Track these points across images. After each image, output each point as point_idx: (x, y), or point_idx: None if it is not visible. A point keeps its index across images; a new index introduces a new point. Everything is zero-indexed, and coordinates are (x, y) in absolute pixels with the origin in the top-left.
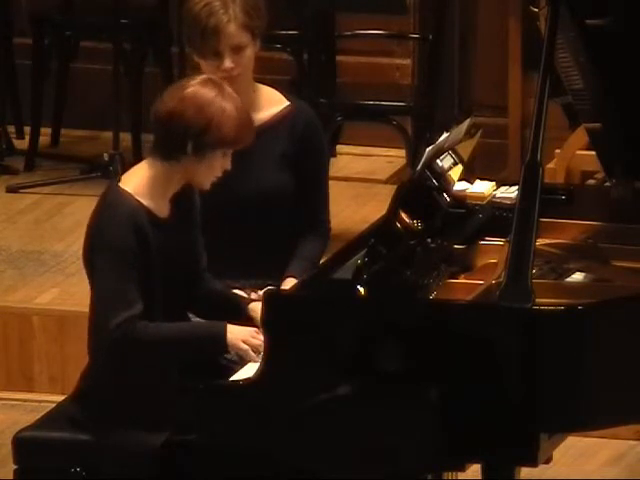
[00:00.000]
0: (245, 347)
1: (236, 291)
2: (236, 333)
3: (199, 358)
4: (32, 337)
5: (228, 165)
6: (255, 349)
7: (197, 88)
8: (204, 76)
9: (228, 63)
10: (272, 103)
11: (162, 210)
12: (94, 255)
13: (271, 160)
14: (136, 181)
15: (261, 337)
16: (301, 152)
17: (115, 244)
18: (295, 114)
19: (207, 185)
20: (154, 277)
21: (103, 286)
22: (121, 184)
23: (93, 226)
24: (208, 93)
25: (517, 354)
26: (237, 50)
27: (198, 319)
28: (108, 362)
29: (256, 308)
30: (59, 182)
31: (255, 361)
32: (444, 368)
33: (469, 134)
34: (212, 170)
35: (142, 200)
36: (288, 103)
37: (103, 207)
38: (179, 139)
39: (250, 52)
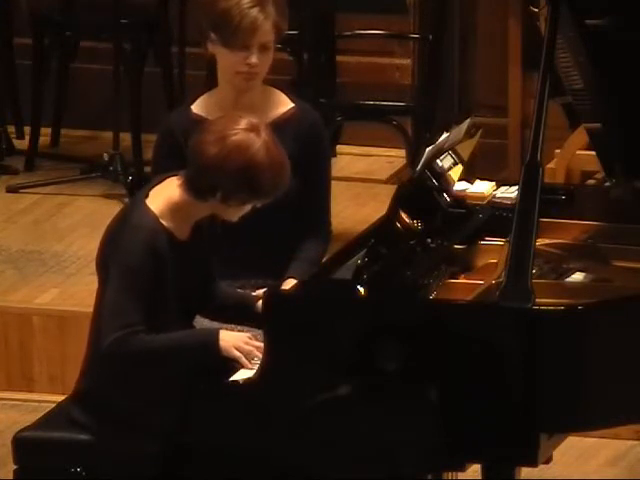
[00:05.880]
0: (238, 354)
1: (242, 291)
2: (228, 339)
3: (197, 365)
4: (32, 337)
5: (258, 204)
6: (247, 356)
7: (239, 139)
8: (246, 122)
9: (255, 59)
10: (278, 104)
11: (182, 233)
12: (109, 268)
13: None
14: (162, 201)
15: (255, 343)
16: (305, 154)
17: (130, 265)
18: (300, 116)
19: (234, 220)
20: (168, 295)
21: (110, 301)
22: (148, 201)
23: (112, 239)
24: (248, 147)
25: (517, 354)
26: (263, 49)
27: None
28: (105, 371)
29: None
30: (59, 182)
31: (248, 368)
32: (444, 368)
33: (469, 134)
34: (240, 211)
35: (164, 222)
36: (293, 105)
37: (125, 224)
38: (210, 186)
39: (271, 54)
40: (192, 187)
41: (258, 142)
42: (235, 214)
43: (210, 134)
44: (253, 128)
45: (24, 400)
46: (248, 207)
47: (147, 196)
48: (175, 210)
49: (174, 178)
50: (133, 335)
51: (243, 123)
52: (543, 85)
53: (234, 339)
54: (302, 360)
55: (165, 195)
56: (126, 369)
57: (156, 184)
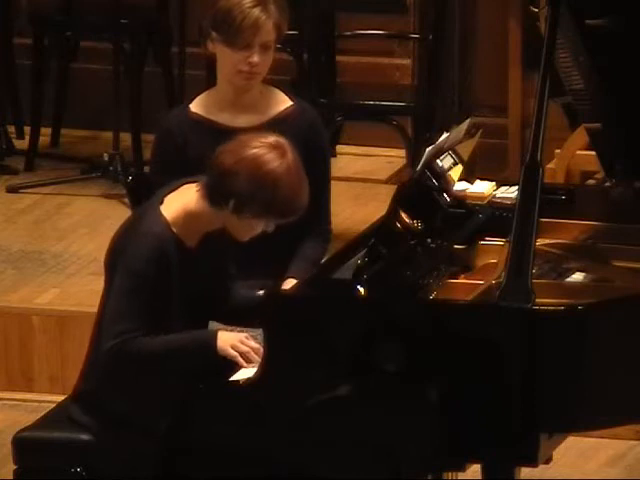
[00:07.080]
0: (234, 353)
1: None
2: (225, 339)
3: (196, 366)
4: (32, 337)
5: (271, 228)
6: (244, 356)
7: (260, 152)
8: (273, 139)
9: (256, 58)
10: (276, 103)
11: (192, 240)
12: (115, 270)
13: None
14: (177, 209)
15: (252, 344)
16: (304, 153)
17: (135, 270)
18: (299, 115)
19: (244, 239)
20: (172, 301)
21: (112, 305)
22: (162, 207)
23: (121, 242)
24: (268, 162)
25: (517, 354)
26: (265, 48)
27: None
28: (105, 372)
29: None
30: (59, 182)
31: (245, 367)
32: (444, 368)
33: (469, 134)
34: (250, 230)
35: (175, 229)
36: (292, 103)
37: (136, 228)
38: (224, 195)
39: (272, 54)
40: (208, 193)
41: (279, 159)
42: (246, 232)
43: (233, 143)
44: (278, 146)
45: (24, 400)
46: (259, 227)
47: (162, 202)
48: (189, 217)
49: (192, 185)
50: (131, 341)
51: (270, 139)
52: (543, 85)
53: (231, 338)
54: (302, 360)
55: (181, 202)
56: (126, 370)
57: (172, 190)
